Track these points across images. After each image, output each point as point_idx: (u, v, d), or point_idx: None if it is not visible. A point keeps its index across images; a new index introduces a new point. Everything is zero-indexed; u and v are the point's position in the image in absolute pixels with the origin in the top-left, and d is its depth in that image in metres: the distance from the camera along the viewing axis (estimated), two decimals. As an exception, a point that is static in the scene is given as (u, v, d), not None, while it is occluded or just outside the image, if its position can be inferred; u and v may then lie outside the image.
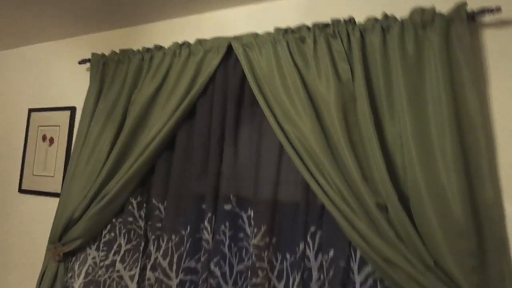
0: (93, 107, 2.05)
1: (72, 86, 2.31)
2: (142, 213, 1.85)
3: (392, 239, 1.25)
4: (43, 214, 2.20)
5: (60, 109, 2.27)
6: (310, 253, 1.45)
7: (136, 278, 1.80)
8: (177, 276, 1.69)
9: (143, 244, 1.83)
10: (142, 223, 1.85)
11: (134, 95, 1.94)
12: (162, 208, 1.80)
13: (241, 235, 1.63)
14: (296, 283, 1.44)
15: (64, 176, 2.05)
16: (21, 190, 2.30)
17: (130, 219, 1.85)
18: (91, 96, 2.07)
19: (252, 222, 1.56)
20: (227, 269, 1.60)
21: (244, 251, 1.61)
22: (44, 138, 2.31)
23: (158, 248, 1.77)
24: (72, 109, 2.24)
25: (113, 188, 1.81)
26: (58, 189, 2.09)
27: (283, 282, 1.50)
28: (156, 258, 1.77)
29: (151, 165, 1.85)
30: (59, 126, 2.25)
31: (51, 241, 2.00)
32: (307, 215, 1.48)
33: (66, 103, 2.29)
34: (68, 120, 2.22)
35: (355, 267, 1.38)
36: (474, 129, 1.25)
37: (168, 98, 1.82)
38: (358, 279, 1.37)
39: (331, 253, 1.40)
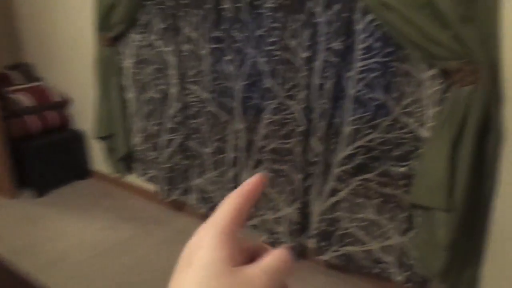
0: None
1: None
2: (170, -7, 2.01)
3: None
4: (85, 5, 2.42)
5: None
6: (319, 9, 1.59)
7: (174, 52, 2.08)
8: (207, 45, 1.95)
9: (175, 22, 2.04)
10: (172, 2, 2.02)
11: None
12: (186, -14, 1.94)
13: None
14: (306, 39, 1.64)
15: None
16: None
17: (160, -1, 2.03)
18: None
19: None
20: (247, 34, 1.81)
21: (263, 17, 1.78)
22: None
23: (188, 25, 1.98)
24: None
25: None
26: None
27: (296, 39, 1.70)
28: (188, 33, 2.00)
29: None
30: None
31: (97, 29, 2.28)
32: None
33: None
34: None
35: (357, 17, 1.52)
36: None
37: None
38: (360, 26, 1.53)
39: (336, 7, 1.53)
